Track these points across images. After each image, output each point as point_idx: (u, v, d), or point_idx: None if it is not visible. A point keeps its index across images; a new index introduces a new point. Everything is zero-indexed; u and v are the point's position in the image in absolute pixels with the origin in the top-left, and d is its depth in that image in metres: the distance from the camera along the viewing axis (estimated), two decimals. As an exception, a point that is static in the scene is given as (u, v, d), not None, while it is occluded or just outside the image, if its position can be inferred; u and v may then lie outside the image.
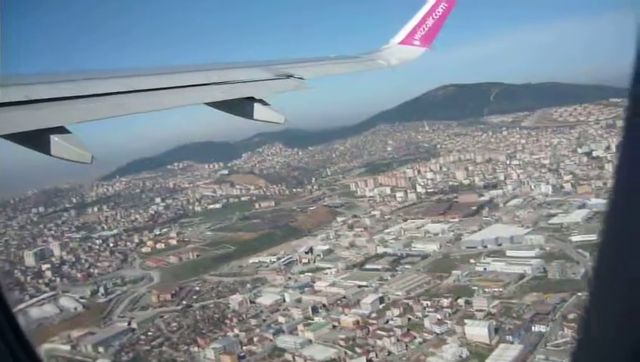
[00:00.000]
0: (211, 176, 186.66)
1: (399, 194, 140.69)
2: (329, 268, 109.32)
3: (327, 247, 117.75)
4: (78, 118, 8.00)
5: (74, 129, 7.48)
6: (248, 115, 10.46)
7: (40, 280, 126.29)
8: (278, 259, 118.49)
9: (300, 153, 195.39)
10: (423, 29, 17.72)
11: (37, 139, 7.26)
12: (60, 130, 7.38)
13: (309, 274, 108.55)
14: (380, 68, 16.16)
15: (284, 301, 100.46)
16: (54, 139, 7.22)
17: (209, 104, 10.24)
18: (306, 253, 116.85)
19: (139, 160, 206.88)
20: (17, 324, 4.50)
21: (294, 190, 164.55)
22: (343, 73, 15.17)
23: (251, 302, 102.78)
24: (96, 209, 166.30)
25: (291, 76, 12.43)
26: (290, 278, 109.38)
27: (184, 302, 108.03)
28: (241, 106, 10.49)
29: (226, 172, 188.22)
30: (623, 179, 2.45)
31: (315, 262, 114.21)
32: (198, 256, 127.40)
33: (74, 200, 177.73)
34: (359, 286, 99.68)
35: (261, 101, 10.55)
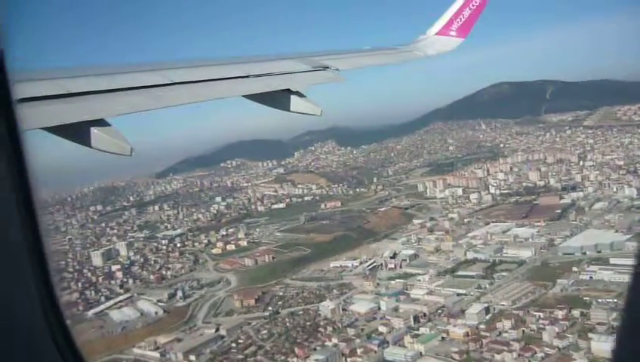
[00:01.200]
0: (267, 174, 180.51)
1: (473, 196, 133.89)
2: (419, 274, 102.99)
3: (411, 252, 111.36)
4: (118, 110, 8.06)
5: (117, 124, 7.49)
6: (285, 107, 10.44)
7: (112, 281, 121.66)
8: (361, 263, 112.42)
9: (355, 152, 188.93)
10: (460, 19, 17.35)
11: (78, 132, 7.29)
12: (100, 122, 7.44)
13: (400, 280, 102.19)
14: (417, 58, 15.87)
15: (380, 309, 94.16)
16: (94, 131, 7.29)
17: (246, 96, 10.30)
18: (391, 257, 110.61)
19: (191, 158, 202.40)
20: (66, 325, 4.06)
21: (358, 190, 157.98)
22: (380, 64, 14.91)
23: (344, 309, 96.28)
24: (157, 208, 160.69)
25: (327, 68, 12.22)
26: (379, 284, 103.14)
27: (270, 308, 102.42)
28: (278, 98, 10.48)
29: (281, 170, 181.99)
30: None
31: (401, 267, 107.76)
32: (273, 258, 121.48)
33: (131, 199, 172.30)
34: (458, 295, 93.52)
35: (298, 93, 10.49)
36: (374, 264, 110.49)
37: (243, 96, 10.31)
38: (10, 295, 3.62)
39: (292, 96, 10.47)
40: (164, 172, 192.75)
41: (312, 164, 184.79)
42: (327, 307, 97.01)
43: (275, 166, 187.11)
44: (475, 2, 17.45)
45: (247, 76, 10.69)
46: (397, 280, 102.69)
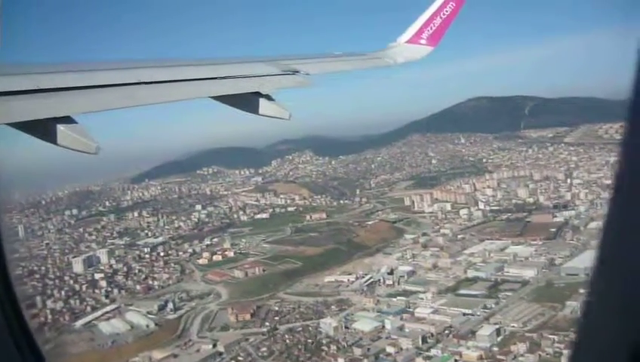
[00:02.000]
0: (246, 183, 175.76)
1: (463, 212, 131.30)
2: (419, 291, 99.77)
3: (409, 268, 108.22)
4: (86, 108, 8.03)
5: (86, 124, 7.51)
6: (254, 110, 10.46)
7: (97, 291, 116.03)
8: (357, 278, 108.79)
9: (333, 162, 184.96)
10: (431, 28, 17.31)
11: (44, 128, 7.25)
12: (67, 119, 7.38)
13: (401, 298, 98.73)
14: (387, 65, 15.83)
15: (384, 328, 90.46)
16: (60, 128, 7.23)
17: (215, 98, 10.24)
18: (388, 273, 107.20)
19: (166, 163, 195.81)
20: (26, 324, 4.19)
21: (341, 202, 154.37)
22: (350, 70, 14.97)
23: (346, 327, 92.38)
24: (136, 214, 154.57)
25: (297, 72, 12.20)
26: (379, 301, 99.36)
27: (268, 324, 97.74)
28: (247, 101, 10.49)
29: (259, 179, 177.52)
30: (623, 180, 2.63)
31: (399, 284, 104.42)
32: (264, 270, 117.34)
33: (107, 204, 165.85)
34: (464, 314, 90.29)
35: (266, 96, 10.53)
36: (371, 280, 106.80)
37: (211, 97, 10.19)
38: None
39: (261, 99, 10.41)
40: (139, 177, 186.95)
41: (291, 173, 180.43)
42: (328, 324, 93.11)
43: (253, 174, 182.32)
44: (446, 11, 17.26)
45: (216, 78, 10.60)
46: (398, 297, 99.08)
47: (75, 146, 7.28)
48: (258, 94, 10.48)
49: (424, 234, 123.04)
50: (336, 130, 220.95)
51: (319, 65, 13.52)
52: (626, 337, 2.35)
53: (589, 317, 2.72)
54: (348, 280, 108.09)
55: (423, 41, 17.23)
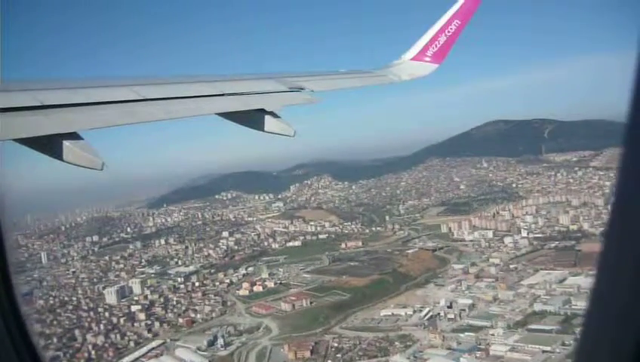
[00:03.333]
0: (268, 208, 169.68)
1: (508, 240, 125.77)
2: (485, 326, 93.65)
3: (469, 301, 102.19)
4: (90, 124, 7.99)
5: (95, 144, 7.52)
6: (259, 126, 10.40)
7: (136, 324, 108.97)
8: (414, 312, 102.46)
9: (354, 187, 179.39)
10: (435, 45, 17.14)
11: (50, 145, 7.25)
12: (73, 136, 7.37)
13: (469, 333, 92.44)
14: (391, 82, 15.72)
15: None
16: (67, 144, 7.24)
17: (221, 115, 10.20)
18: (448, 307, 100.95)
19: (183, 188, 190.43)
20: (28, 332, 4.06)
21: (374, 229, 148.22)
22: (355, 87, 14.92)
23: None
24: (162, 241, 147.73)
25: (302, 89, 12.14)
26: (445, 337, 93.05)
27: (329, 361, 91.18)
28: (252, 118, 10.44)
29: (280, 205, 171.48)
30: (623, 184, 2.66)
31: (461, 318, 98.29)
32: (311, 303, 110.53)
33: (129, 230, 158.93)
34: (544, 352, 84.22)
35: (272, 113, 10.47)
36: (430, 314, 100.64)
37: (217, 114, 10.13)
38: None
39: (266, 116, 10.33)
40: (156, 201, 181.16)
41: (313, 199, 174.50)
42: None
43: (273, 200, 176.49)
44: (451, 29, 17.05)
45: (222, 94, 10.56)
46: (466, 333, 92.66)
47: (80, 162, 7.20)
48: (263, 111, 10.36)
49: (473, 264, 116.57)
50: (350, 153, 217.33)
51: (324, 82, 13.28)
52: (628, 341, 2.38)
53: (592, 321, 2.76)
54: (405, 313, 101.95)
55: (427, 59, 17.04)
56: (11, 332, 3.84)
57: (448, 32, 17.13)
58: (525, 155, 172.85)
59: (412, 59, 17.08)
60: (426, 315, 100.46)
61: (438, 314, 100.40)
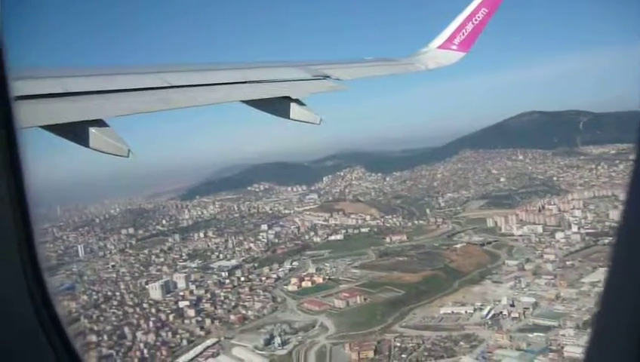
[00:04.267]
0: (302, 201, 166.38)
1: (559, 235, 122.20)
2: (554, 326, 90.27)
3: (531, 299, 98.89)
4: (117, 111, 7.97)
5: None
6: (284, 114, 10.27)
7: (186, 321, 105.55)
8: (475, 310, 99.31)
9: (388, 179, 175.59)
10: (463, 33, 16.85)
11: (76, 132, 7.21)
12: (99, 123, 7.34)
13: (538, 334, 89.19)
14: (418, 71, 15.39)
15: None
16: (93, 131, 7.18)
17: (245, 102, 10.10)
18: (511, 305, 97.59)
19: (215, 180, 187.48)
20: (61, 324, 3.99)
21: (416, 222, 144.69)
22: (381, 75, 14.85)
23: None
24: (201, 235, 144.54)
25: (328, 77, 12.00)
26: (512, 338, 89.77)
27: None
28: (278, 105, 10.33)
29: (315, 196, 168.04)
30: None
31: (525, 316, 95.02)
32: (365, 299, 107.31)
33: (164, 222, 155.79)
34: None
35: (297, 101, 10.35)
36: (492, 312, 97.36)
37: (242, 101, 10.02)
38: (1, 296, 3.50)
39: (292, 104, 10.21)
40: (188, 193, 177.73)
41: (347, 191, 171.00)
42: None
43: (306, 191, 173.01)
44: (478, 17, 16.72)
45: (247, 82, 10.48)
46: (535, 333, 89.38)
47: (107, 149, 7.15)
48: (289, 99, 10.23)
49: (528, 261, 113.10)
50: (379, 144, 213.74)
51: (350, 70, 13.13)
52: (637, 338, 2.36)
53: (603, 319, 2.75)
54: (466, 312, 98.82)
55: (454, 47, 16.74)
56: (45, 327, 3.68)
57: (475, 20, 16.82)
58: (561, 147, 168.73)
59: (439, 47, 16.86)
60: (488, 314, 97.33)
61: (501, 312, 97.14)
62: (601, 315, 2.70)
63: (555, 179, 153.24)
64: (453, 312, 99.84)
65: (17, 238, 3.44)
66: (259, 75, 10.92)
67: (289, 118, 10.20)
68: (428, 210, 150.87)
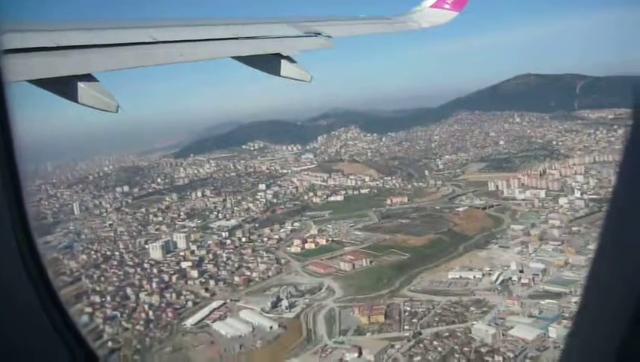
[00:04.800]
0: (298, 160, 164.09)
1: (562, 200, 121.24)
2: (565, 293, 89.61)
3: (541, 266, 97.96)
4: (105, 66, 7.84)
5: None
6: (275, 71, 10.21)
7: (190, 282, 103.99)
8: (483, 275, 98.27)
9: (384, 139, 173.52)
10: None
11: (65, 86, 7.15)
12: (88, 77, 7.26)
13: (550, 300, 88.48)
14: (411, 30, 15.25)
15: (549, 336, 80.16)
16: (81, 86, 7.13)
17: (236, 58, 9.94)
18: (520, 271, 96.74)
19: (208, 137, 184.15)
20: (63, 306, 3.94)
21: (415, 184, 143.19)
22: (373, 33, 14.79)
23: (503, 334, 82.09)
24: (199, 194, 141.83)
25: (320, 34, 11.82)
26: (523, 304, 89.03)
27: (407, 327, 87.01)
28: (268, 62, 10.23)
29: (310, 156, 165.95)
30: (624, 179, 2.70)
31: (534, 283, 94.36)
32: (371, 262, 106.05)
33: (159, 181, 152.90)
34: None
35: (288, 58, 10.24)
36: (501, 278, 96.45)
37: (232, 57, 9.88)
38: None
39: (282, 61, 10.12)
40: (182, 151, 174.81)
41: (343, 151, 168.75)
42: (483, 330, 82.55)
43: (302, 151, 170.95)
44: None
45: (237, 38, 10.32)
46: (547, 300, 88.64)
47: (95, 105, 7.11)
48: (279, 56, 10.11)
49: (533, 226, 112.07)
50: (372, 103, 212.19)
51: (342, 28, 13.02)
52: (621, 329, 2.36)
53: (586, 314, 2.75)
54: (474, 277, 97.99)
55: (447, 6, 16.64)
56: (38, 290, 3.59)
57: None
58: (558, 111, 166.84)
59: (432, 6, 16.62)
60: (497, 279, 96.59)
61: (510, 278, 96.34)
62: (584, 310, 2.67)
63: (554, 143, 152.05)
64: (461, 277, 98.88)
65: (5, 195, 3.25)
66: (249, 31, 10.74)
67: (280, 75, 10.13)
68: (427, 172, 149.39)
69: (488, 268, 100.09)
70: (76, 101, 7.09)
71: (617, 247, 2.49)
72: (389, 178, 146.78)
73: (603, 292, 2.60)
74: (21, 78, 6.62)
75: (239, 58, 9.95)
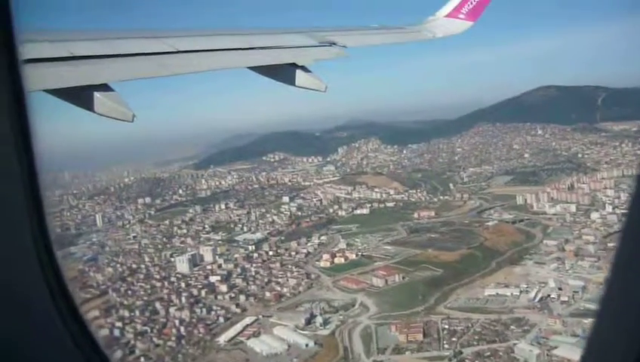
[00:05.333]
0: (320, 172, 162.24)
1: (594, 215, 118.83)
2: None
3: (580, 283, 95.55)
4: (122, 75, 7.82)
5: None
6: (290, 81, 10.12)
7: (219, 297, 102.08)
8: (521, 292, 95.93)
9: (405, 151, 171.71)
10: (470, 3, 16.54)
11: (81, 96, 7.11)
12: (104, 87, 7.23)
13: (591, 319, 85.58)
14: (425, 39, 15.06)
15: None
16: (97, 96, 7.09)
17: (251, 68, 9.93)
18: (559, 288, 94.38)
19: (227, 149, 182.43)
20: (84, 319, 3.95)
21: (441, 197, 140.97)
22: (388, 43, 14.66)
23: (547, 354, 79.73)
24: (222, 206, 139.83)
25: (334, 44, 11.75)
26: (565, 323, 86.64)
27: (446, 346, 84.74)
28: (283, 72, 10.18)
29: (332, 168, 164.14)
30: None
31: (575, 301, 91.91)
32: (404, 278, 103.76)
33: (181, 192, 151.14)
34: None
35: (303, 68, 10.21)
36: (540, 295, 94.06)
37: (248, 67, 9.91)
38: (7, 256, 3.43)
39: (297, 71, 10.10)
40: (202, 163, 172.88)
41: (365, 163, 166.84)
42: (527, 350, 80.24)
43: (323, 163, 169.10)
44: None
45: (253, 48, 10.30)
46: (589, 319, 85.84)
47: (112, 114, 7.03)
48: (294, 65, 10.07)
49: (567, 241, 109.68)
50: (391, 114, 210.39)
51: (356, 37, 12.91)
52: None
53: (603, 319, 2.76)
54: (512, 294, 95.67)
55: (462, 16, 16.50)
56: (56, 300, 3.57)
57: None
58: (580, 123, 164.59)
59: (446, 16, 16.51)
60: (535, 297, 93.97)
61: (549, 295, 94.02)
62: (601, 316, 2.68)
63: (579, 156, 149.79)
64: (498, 294, 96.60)
65: (25, 197, 3.32)
66: (264, 41, 10.69)
67: (295, 85, 10.02)
68: (451, 185, 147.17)
69: (525, 285, 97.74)
70: (93, 110, 7.06)
71: None
72: (414, 191, 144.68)
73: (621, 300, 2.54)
74: (39, 87, 6.57)
75: (254, 68, 9.99)
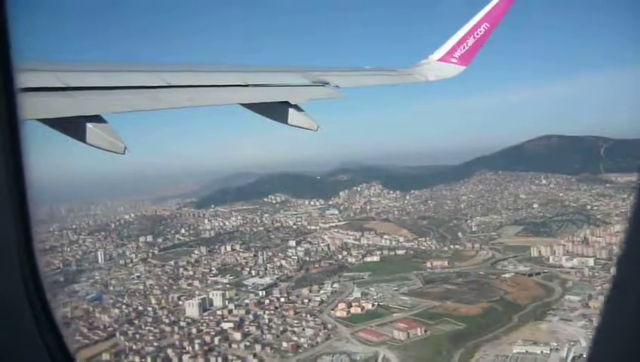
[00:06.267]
0: (323, 216, 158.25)
1: (614, 270, 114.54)
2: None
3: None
4: (115, 108, 7.73)
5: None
6: (282, 119, 10.04)
7: (234, 345, 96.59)
8: (551, 350, 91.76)
9: (408, 197, 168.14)
10: (463, 47, 16.40)
11: (73, 126, 7.05)
12: (97, 118, 7.17)
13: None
14: (417, 82, 15.07)
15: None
16: (90, 127, 7.01)
17: (244, 105, 9.84)
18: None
19: (227, 188, 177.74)
20: (56, 323, 4.01)
21: (451, 246, 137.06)
22: (380, 85, 14.69)
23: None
24: (228, 248, 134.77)
25: (327, 84, 11.63)
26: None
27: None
28: (276, 110, 10.09)
29: (335, 211, 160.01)
30: None
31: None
32: (425, 331, 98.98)
33: (184, 232, 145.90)
34: None
35: (296, 107, 10.11)
36: (573, 354, 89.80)
37: (241, 104, 9.77)
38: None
39: (290, 109, 9.98)
40: (202, 201, 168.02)
41: (369, 208, 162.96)
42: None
43: (325, 206, 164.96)
44: (480, 32, 16.25)
45: (247, 85, 10.17)
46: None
47: (103, 145, 6.98)
48: (287, 104, 9.99)
49: (591, 297, 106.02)
50: (391, 158, 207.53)
51: (349, 78, 12.79)
52: None
53: (610, 317, 2.75)
54: (542, 352, 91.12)
55: (454, 60, 16.40)
56: (42, 330, 3.64)
57: (477, 34, 16.24)
58: (584, 173, 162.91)
59: (439, 60, 16.34)
60: (568, 356, 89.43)
61: (582, 355, 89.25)
62: (606, 317, 2.69)
63: (588, 207, 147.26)
64: (527, 352, 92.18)
65: (15, 231, 3.35)
66: (258, 78, 10.58)
67: (287, 123, 9.93)
68: (460, 234, 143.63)
69: (555, 343, 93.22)
70: (84, 141, 6.92)
71: None
72: (423, 239, 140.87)
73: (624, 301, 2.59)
74: (31, 116, 6.37)
75: (248, 105, 9.82)
